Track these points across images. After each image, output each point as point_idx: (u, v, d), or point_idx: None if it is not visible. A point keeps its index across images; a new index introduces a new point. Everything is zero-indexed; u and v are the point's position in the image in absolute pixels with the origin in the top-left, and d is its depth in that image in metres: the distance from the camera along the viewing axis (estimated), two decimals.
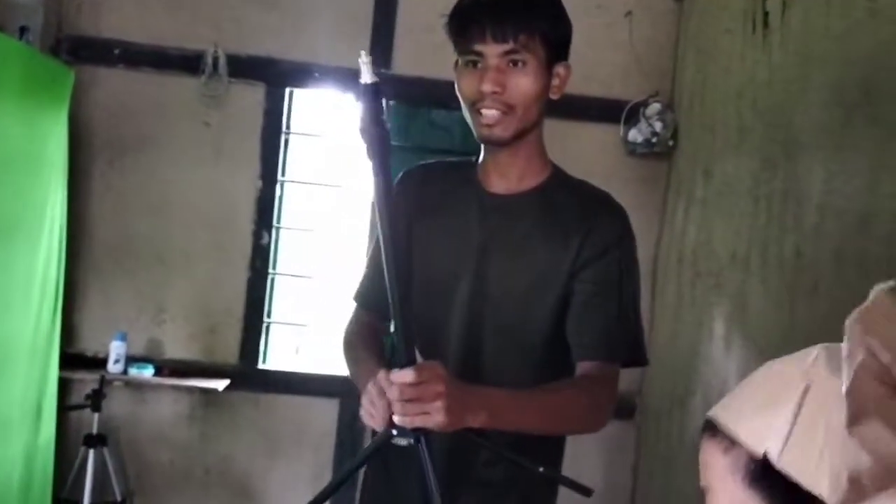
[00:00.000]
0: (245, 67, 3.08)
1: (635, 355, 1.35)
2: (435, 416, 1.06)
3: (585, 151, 3.16)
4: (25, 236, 2.48)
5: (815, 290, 1.94)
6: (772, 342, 2.17)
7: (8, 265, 2.38)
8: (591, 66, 3.15)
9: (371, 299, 1.47)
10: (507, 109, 1.27)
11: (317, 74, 3.12)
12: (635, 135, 3.08)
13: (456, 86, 1.32)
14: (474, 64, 1.27)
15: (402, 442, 1.12)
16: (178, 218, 3.12)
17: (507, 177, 1.36)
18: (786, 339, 2.08)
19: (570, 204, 1.35)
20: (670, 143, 3.05)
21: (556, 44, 1.30)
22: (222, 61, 3.03)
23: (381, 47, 3.11)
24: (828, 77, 2.03)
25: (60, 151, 2.69)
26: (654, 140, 3.04)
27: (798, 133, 2.15)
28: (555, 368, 1.32)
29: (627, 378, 3.17)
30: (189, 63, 3.05)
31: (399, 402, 1.07)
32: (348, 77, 3.02)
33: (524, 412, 1.21)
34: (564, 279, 1.32)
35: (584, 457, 3.23)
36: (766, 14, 2.35)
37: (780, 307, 2.14)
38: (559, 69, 1.31)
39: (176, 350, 3.12)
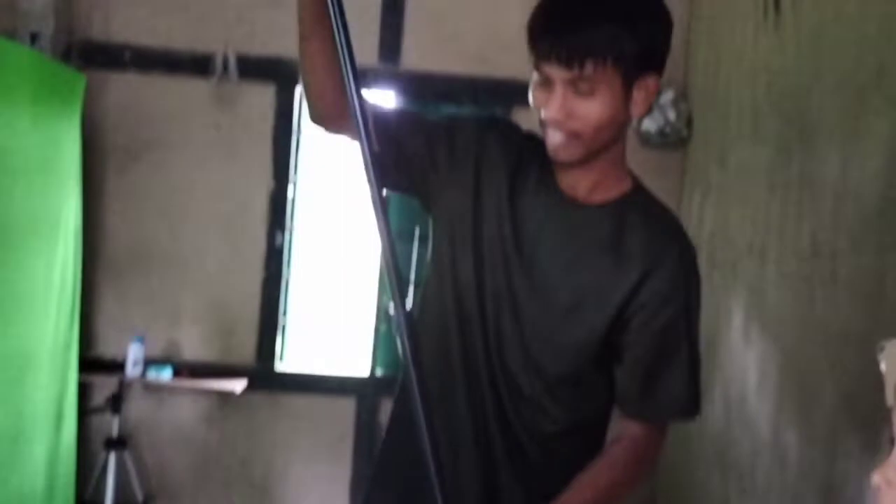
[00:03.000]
0: (255, 68, 3.09)
1: (695, 412, 1.27)
2: None
3: None
4: (42, 242, 2.51)
5: (834, 279, 1.91)
6: (790, 333, 2.13)
7: (25, 271, 2.41)
8: None
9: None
10: (574, 136, 1.15)
11: None
12: (649, 124, 3.04)
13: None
14: (545, 80, 1.15)
15: None
16: (191, 220, 3.14)
17: (575, 189, 1.23)
18: (804, 330, 2.04)
19: (640, 230, 1.22)
20: (684, 132, 3.01)
21: (639, 60, 1.14)
22: (232, 63, 3.04)
23: (390, 42, 3.10)
24: (841, 60, 1.99)
25: (74, 156, 2.71)
26: (667, 130, 3.01)
27: (813, 118, 2.11)
28: (572, 399, 1.27)
29: None
30: (199, 65, 3.06)
31: None
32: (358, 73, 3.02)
33: None
34: (613, 311, 1.21)
35: None
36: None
37: (798, 297, 2.11)
38: (643, 85, 1.16)
39: (193, 352, 3.14)
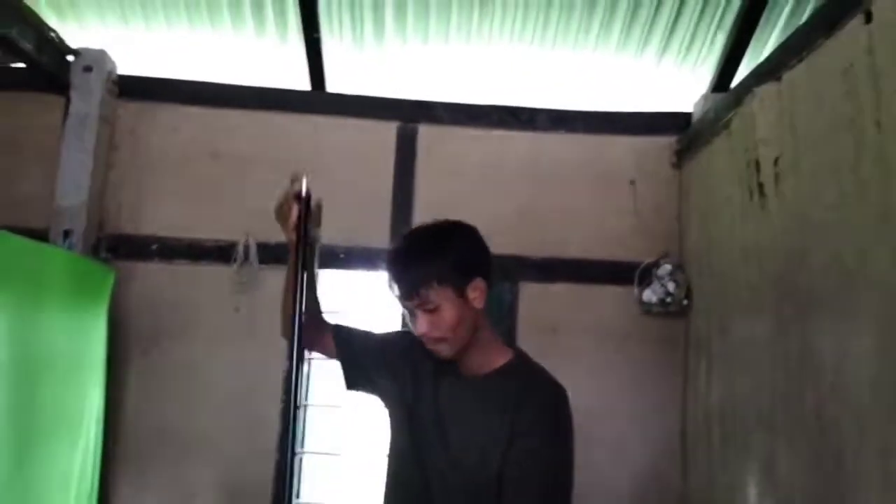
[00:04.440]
0: (274, 253, 3.26)
1: None
2: None
3: (602, 313, 3.26)
4: (65, 434, 2.56)
5: (840, 456, 1.94)
6: None
7: (48, 464, 2.44)
8: (601, 232, 3.32)
9: (342, 333, 1.85)
10: (440, 340, 1.60)
11: (342, 255, 3.29)
12: (650, 295, 3.17)
13: None
14: (407, 310, 1.62)
15: None
16: (208, 401, 3.20)
17: (468, 367, 1.66)
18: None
19: (514, 385, 1.60)
20: (684, 301, 3.13)
21: (458, 273, 1.58)
22: (253, 250, 3.22)
23: (400, 229, 3.29)
24: (826, 242, 2.10)
25: (100, 347, 2.81)
26: (668, 300, 3.13)
27: (805, 296, 2.21)
28: None
29: None
30: (222, 253, 3.24)
31: None
32: (373, 256, 3.22)
33: None
34: (499, 456, 1.54)
35: None
36: (760, 184, 2.49)
37: (808, 470, 2.12)
38: (473, 287, 1.59)
39: None
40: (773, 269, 2.43)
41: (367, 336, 1.86)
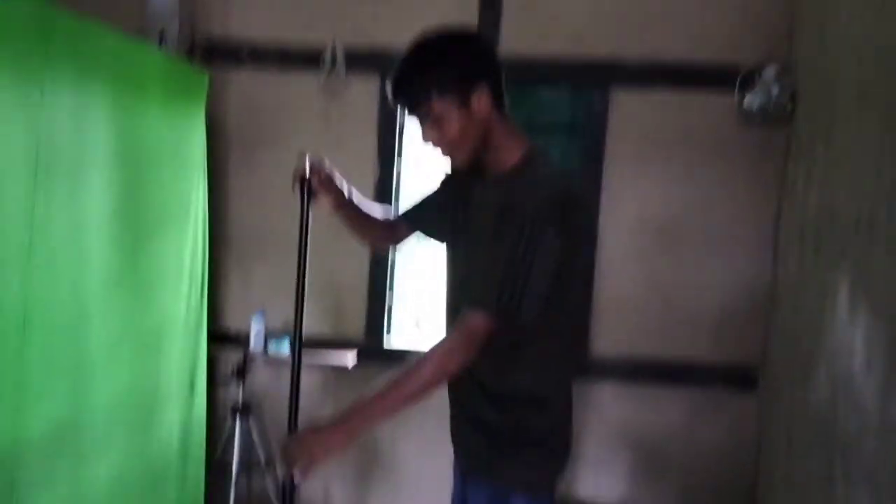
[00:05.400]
0: (361, 60, 3.24)
1: (493, 307, 1.55)
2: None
3: (698, 122, 3.13)
4: (174, 227, 2.75)
5: None
6: None
7: (160, 253, 2.65)
8: (704, 30, 3.11)
9: (409, 215, 1.98)
10: (450, 150, 1.65)
11: None
12: (751, 101, 3.00)
13: None
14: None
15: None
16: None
17: (488, 172, 1.70)
18: None
19: (503, 189, 1.63)
20: (788, 107, 2.95)
21: (459, 83, 1.58)
22: (340, 56, 3.20)
23: (489, 28, 3.18)
24: None
25: (199, 148, 2.94)
26: (770, 106, 2.96)
27: None
28: None
29: (749, 350, 3.15)
30: (310, 59, 3.24)
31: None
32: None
33: (370, 418, 1.60)
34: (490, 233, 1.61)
35: (705, 429, 3.23)
36: None
37: None
38: (475, 98, 1.59)
39: (309, 327, 3.32)
40: (891, 65, 2.24)
41: (427, 201, 1.96)
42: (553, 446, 1.78)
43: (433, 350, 1.58)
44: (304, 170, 1.88)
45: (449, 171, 1.90)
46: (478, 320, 1.55)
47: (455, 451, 1.87)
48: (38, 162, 1.95)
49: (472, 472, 1.79)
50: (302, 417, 3.30)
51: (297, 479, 1.63)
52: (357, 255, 3.31)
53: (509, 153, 1.66)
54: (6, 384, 1.92)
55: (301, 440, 1.58)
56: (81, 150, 2.15)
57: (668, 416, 3.24)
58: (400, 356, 3.35)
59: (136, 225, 2.47)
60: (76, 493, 2.22)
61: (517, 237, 1.54)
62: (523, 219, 1.55)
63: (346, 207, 1.97)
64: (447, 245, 1.86)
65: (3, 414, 1.92)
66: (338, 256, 3.33)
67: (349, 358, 3.23)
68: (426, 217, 1.95)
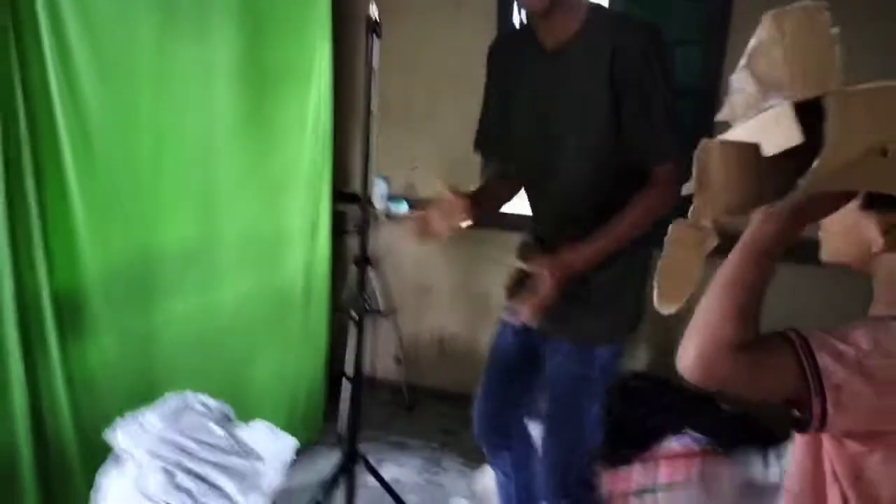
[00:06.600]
0: None
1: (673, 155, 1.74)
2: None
3: None
4: (296, 86, 2.98)
5: None
6: None
7: (281, 109, 2.90)
8: None
9: (488, 146, 2.15)
10: None
11: None
12: None
13: None
14: None
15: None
16: (424, 76, 3.50)
17: (552, 31, 1.80)
18: None
19: (602, 35, 1.72)
20: None
21: None
22: None
23: None
24: None
25: (323, 16, 3.12)
26: None
27: None
28: (616, 175, 1.83)
29: None
30: None
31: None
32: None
33: (615, 243, 1.81)
34: (606, 97, 1.72)
35: None
36: None
37: None
38: None
39: (426, 192, 3.56)
40: None
41: (490, 111, 2.14)
42: (630, 307, 1.96)
43: (646, 202, 1.79)
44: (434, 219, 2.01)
45: (523, 18, 1.97)
46: (670, 174, 1.73)
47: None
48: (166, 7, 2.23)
49: (554, 334, 1.98)
50: (417, 269, 3.63)
51: (524, 318, 1.84)
52: (474, 118, 3.43)
53: (574, 15, 1.78)
54: (142, 200, 2.28)
55: (562, 257, 1.82)
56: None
57: None
58: (511, 220, 3.49)
59: (259, 78, 2.73)
60: (206, 303, 2.60)
61: (653, 82, 1.69)
62: (650, 62, 1.68)
63: (477, 207, 2.02)
64: (534, 132, 1.93)
65: (141, 225, 2.29)
66: (456, 122, 3.48)
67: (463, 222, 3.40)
68: (496, 134, 2.10)
